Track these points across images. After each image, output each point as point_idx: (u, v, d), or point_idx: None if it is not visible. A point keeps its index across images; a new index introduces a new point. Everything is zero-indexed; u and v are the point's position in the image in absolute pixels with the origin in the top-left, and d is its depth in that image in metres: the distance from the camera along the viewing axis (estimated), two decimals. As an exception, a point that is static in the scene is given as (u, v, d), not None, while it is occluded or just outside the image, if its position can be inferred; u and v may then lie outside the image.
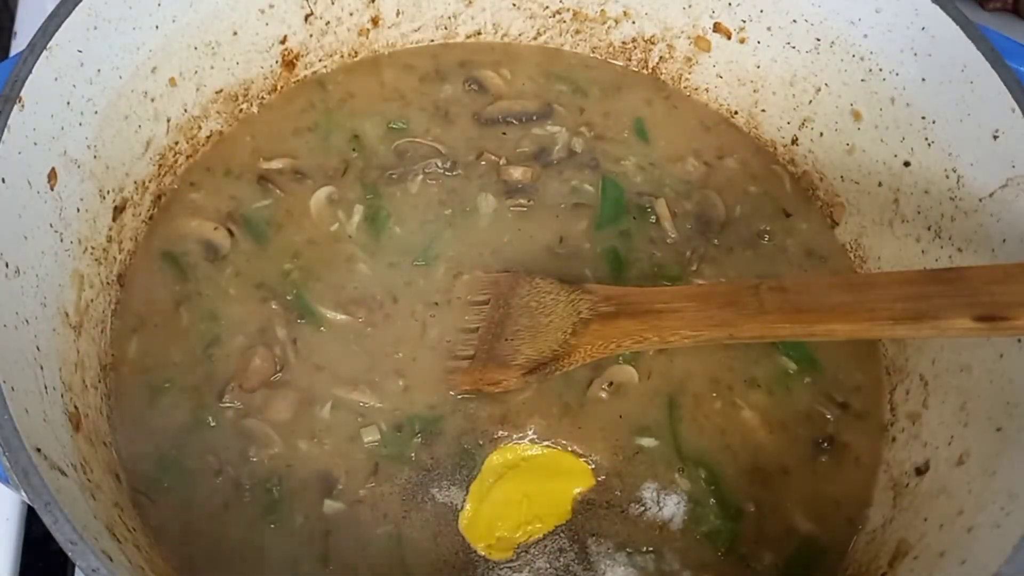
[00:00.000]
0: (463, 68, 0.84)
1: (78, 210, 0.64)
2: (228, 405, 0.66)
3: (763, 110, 0.82)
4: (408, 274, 0.73)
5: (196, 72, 0.74)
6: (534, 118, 0.82)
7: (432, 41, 0.86)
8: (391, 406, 0.67)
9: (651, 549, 0.64)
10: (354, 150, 0.78)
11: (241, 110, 0.79)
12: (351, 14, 0.81)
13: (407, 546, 0.63)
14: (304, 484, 0.64)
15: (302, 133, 0.79)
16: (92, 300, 0.66)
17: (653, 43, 0.85)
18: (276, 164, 0.77)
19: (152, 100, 0.70)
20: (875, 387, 0.72)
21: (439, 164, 0.78)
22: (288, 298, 0.70)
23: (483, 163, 0.78)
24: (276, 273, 0.72)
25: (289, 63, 0.80)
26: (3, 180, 0.55)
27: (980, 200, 0.65)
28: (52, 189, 0.61)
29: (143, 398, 0.66)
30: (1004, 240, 0.63)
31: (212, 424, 0.65)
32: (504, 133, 0.81)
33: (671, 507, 0.65)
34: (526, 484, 0.65)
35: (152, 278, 0.71)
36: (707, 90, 0.85)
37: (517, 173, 0.77)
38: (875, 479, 0.68)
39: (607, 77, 0.86)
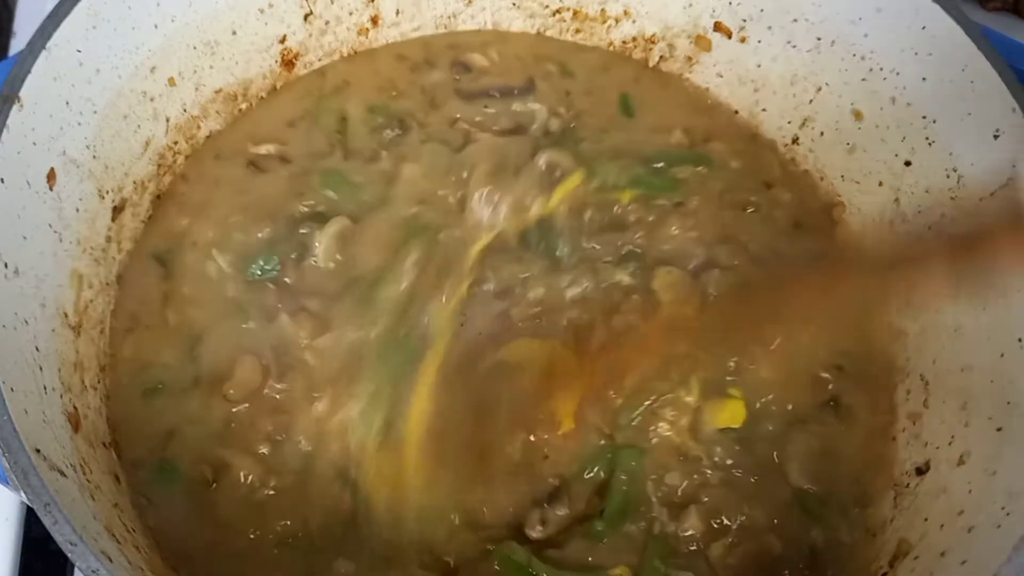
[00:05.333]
0: (451, 50, 0.84)
1: (77, 210, 0.64)
2: (220, 408, 0.65)
3: (764, 109, 0.82)
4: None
5: (195, 72, 0.73)
6: (515, 92, 0.81)
7: (432, 41, 0.86)
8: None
9: None
10: (338, 132, 0.78)
11: (240, 110, 0.79)
12: (350, 13, 0.81)
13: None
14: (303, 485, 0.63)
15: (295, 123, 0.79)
16: (91, 300, 0.66)
17: (653, 42, 0.84)
18: (264, 149, 0.76)
19: (151, 100, 0.70)
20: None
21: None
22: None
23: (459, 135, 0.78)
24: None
25: (288, 63, 0.80)
26: (2, 180, 0.55)
27: (980, 200, 0.65)
28: (51, 189, 0.61)
29: (138, 399, 0.66)
30: (1005, 240, 0.63)
31: (205, 427, 0.64)
32: (486, 107, 0.80)
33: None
34: None
35: (143, 278, 0.70)
36: (707, 89, 0.85)
37: None
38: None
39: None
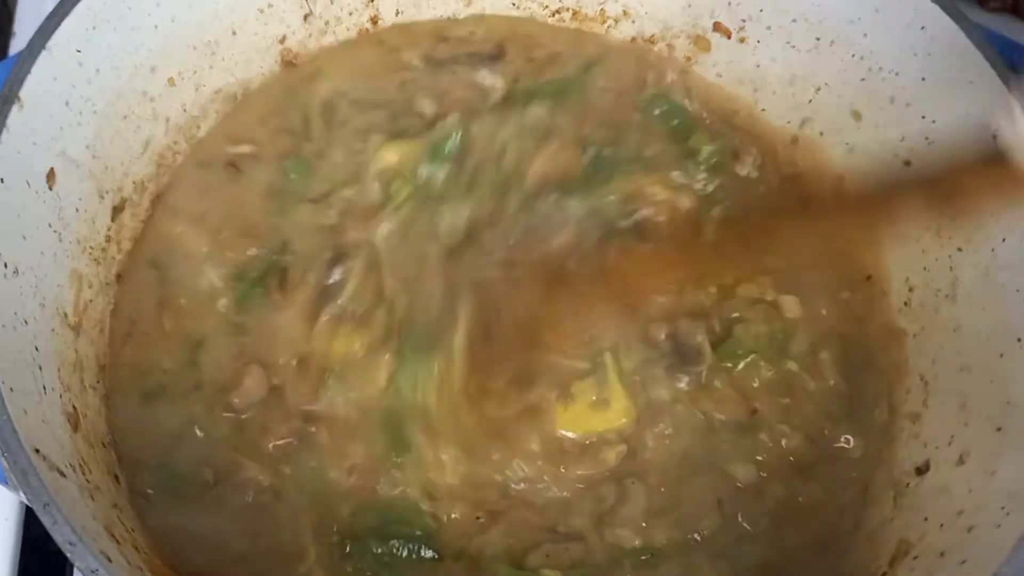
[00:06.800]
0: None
1: (77, 210, 0.64)
2: (225, 415, 0.65)
3: (763, 109, 0.82)
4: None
5: (195, 72, 0.74)
6: (485, 59, 0.80)
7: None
8: None
9: None
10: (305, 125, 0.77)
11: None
12: (350, 14, 0.81)
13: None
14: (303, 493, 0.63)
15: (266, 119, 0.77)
16: (91, 300, 0.66)
17: (653, 42, 0.84)
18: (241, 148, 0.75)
19: (151, 100, 0.70)
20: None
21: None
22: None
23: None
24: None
25: (289, 63, 0.80)
26: (2, 180, 0.55)
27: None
28: (51, 189, 0.61)
29: (138, 402, 0.65)
30: (1004, 240, 0.63)
31: (205, 435, 0.64)
32: (454, 73, 0.80)
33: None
34: None
35: (139, 283, 0.70)
36: (706, 90, 0.85)
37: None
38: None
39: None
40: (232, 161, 0.75)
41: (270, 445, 0.64)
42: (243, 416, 0.65)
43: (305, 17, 0.79)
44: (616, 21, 0.84)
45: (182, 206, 0.73)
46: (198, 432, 0.64)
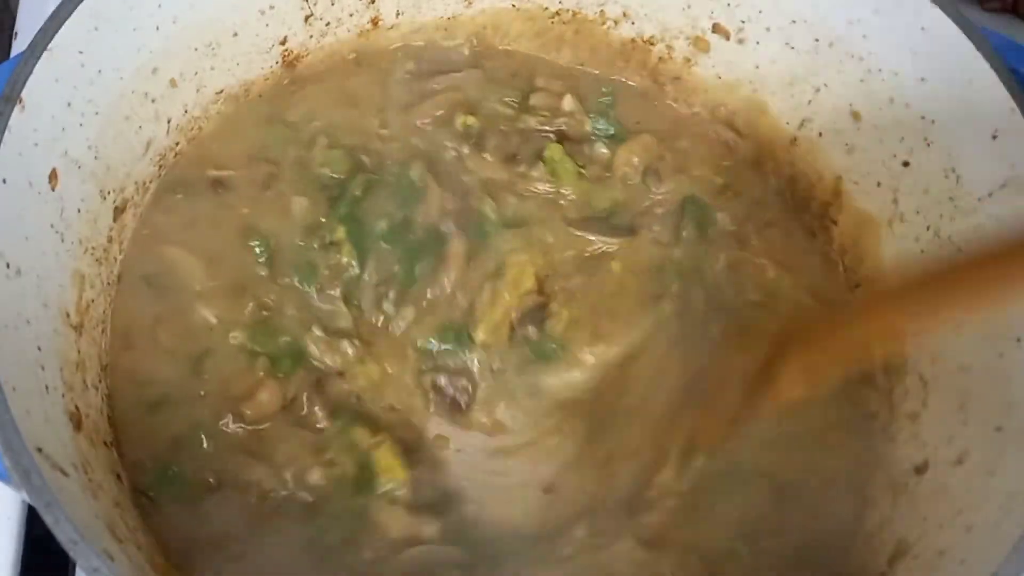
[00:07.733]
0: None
1: (79, 211, 0.64)
2: (234, 425, 0.65)
3: (762, 111, 0.82)
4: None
5: (197, 73, 0.74)
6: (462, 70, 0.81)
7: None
8: None
9: None
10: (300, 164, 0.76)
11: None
12: (351, 15, 0.81)
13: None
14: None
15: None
16: (93, 300, 0.66)
17: (652, 44, 0.85)
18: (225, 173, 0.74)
19: (153, 101, 0.70)
20: None
21: None
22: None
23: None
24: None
25: (290, 64, 0.81)
26: (4, 181, 0.55)
27: (979, 200, 0.65)
28: (53, 190, 0.61)
29: (141, 408, 0.65)
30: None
31: (210, 445, 0.64)
32: (435, 87, 0.80)
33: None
34: None
35: (133, 298, 0.69)
36: (705, 91, 0.85)
37: None
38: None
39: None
40: (216, 180, 0.73)
41: (277, 451, 0.64)
42: (254, 428, 0.64)
43: (306, 18, 0.79)
44: (615, 22, 0.85)
45: (168, 234, 0.71)
46: (203, 437, 0.64)
